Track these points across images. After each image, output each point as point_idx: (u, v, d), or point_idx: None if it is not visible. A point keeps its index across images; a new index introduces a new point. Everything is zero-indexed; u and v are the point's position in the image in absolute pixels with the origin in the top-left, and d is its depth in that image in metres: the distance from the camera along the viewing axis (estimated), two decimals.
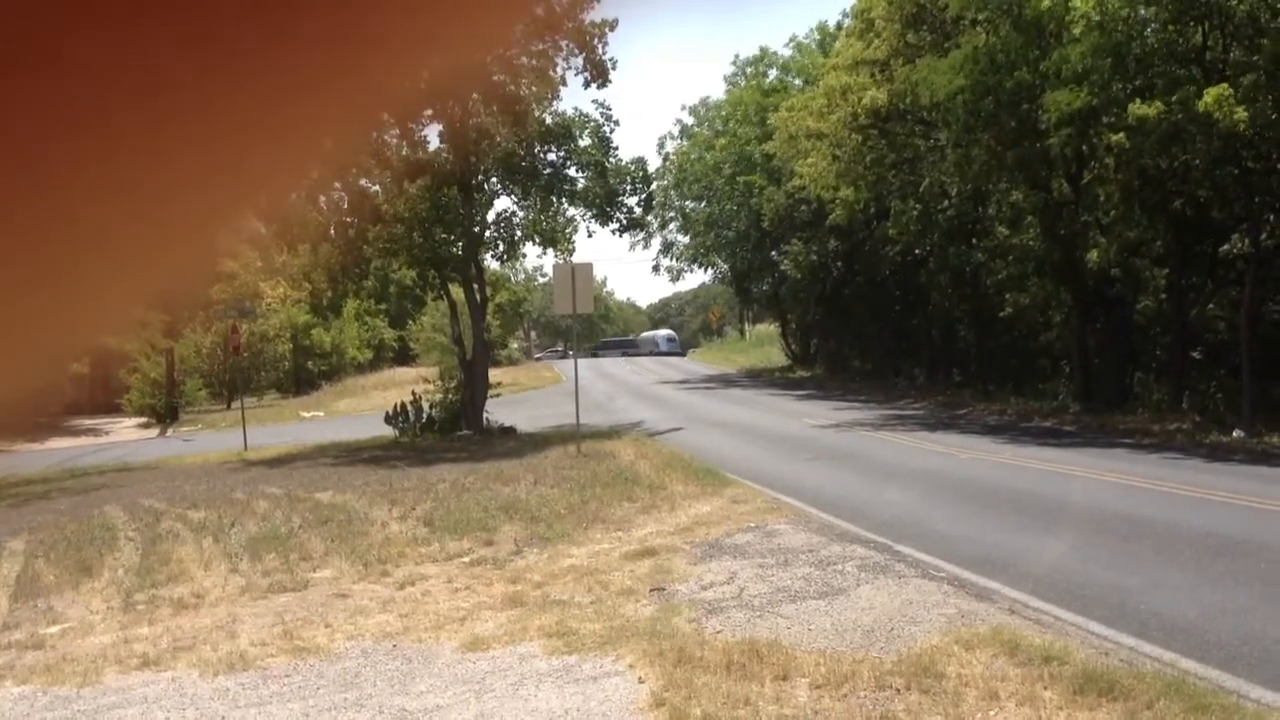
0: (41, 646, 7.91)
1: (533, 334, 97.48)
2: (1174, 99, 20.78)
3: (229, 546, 11.48)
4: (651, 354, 77.14)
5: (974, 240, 35.64)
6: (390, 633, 7.81)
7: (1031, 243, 30.91)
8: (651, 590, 8.66)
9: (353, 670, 6.93)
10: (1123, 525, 11.35)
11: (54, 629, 8.45)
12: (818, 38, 49.55)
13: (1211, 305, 27.98)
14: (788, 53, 53.40)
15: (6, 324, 0.63)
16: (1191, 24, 22.12)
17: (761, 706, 5.81)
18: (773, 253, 51.68)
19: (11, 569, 11.10)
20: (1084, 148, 25.73)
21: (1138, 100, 21.55)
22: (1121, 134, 22.76)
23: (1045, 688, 5.89)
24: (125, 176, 0.59)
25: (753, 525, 11.46)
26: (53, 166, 0.56)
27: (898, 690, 5.97)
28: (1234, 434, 20.30)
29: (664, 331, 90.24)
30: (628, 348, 79.67)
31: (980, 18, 25.46)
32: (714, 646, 6.86)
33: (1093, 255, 26.83)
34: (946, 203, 34.09)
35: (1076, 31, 21.56)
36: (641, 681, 6.34)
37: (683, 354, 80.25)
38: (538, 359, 77.70)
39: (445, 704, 6.19)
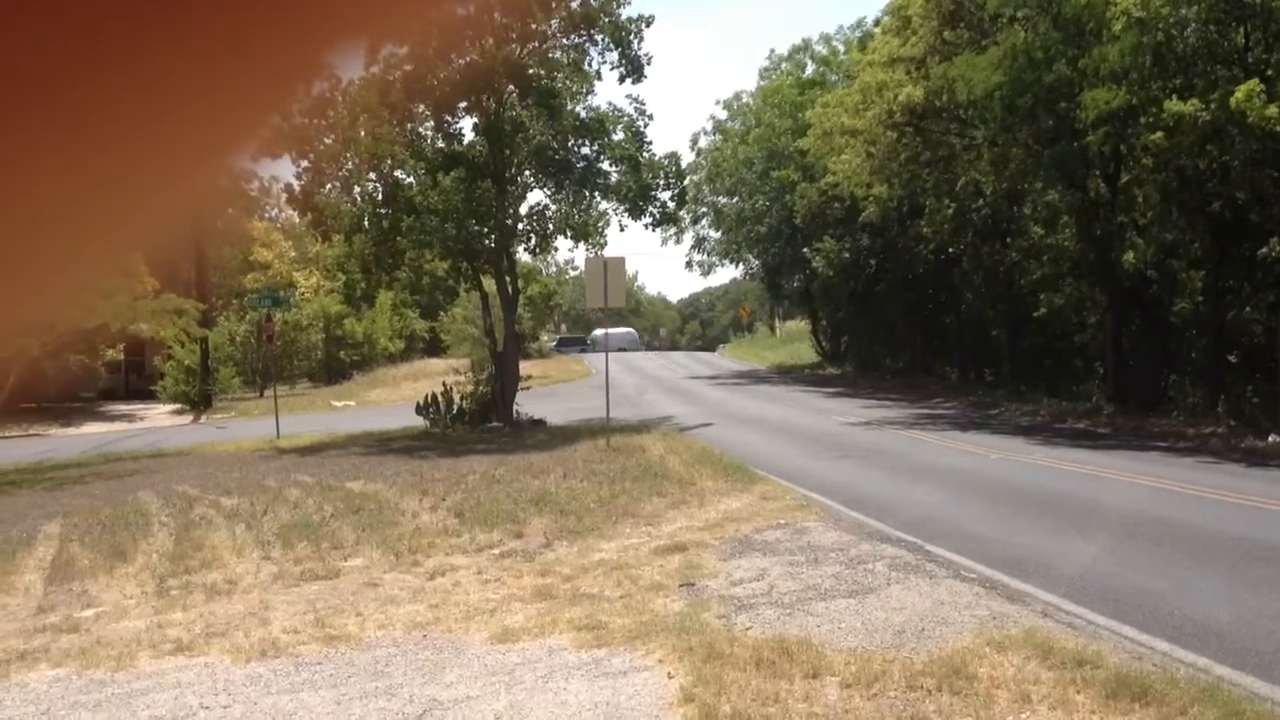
0: (76, 630, 7.99)
1: (563, 327, 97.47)
2: (1212, 97, 20.62)
3: (261, 534, 11.55)
4: (621, 350, 76.84)
5: (1008, 240, 35.48)
6: (420, 623, 7.84)
7: (1067, 243, 30.75)
8: (681, 585, 8.66)
9: (383, 659, 6.97)
10: (1156, 529, 11.27)
11: (88, 613, 8.52)
12: (858, 34, 49.29)
13: (1248, 308, 27.74)
14: (823, 49, 53.31)
15: None
16: (1233, 24, 21.91)
17: (791, 704, 5.80)
18: (804, 249, 51.52)
19: (47, 552, 11.21)
20: (1121, 147, 25.54)
21: (1174, 98, 21.38)
22: (1160, 133, 22.57)
23: (1078, 691, 5.86)
24: (103, 134, 0.59)
25: (782, 522, 11.44)
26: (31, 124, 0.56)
27: (929, 691, 5.95)
28: (1269, 439, 20.10)
29: (628, 330, 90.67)
30: (585, 345, 79.12)
31: (1019, 15, 25.30)
32: (743, 643, 6.85)
33: (1129, 256, 26.63)
34: (981, 201, 33.93)
35: (1117, 29, 21.39)
36: (671, 677, 6.34)
37: (641, 349, 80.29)
38: (563, 351, 77.51)
39: (475, 695, 6.21)
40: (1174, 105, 21.11)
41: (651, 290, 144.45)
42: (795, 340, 66.86)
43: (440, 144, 26.24)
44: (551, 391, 37.71)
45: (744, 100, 56.71)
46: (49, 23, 0.55)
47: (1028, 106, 24.80)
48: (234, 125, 0.65)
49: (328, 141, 25.27)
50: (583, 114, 26.58)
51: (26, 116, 0.57)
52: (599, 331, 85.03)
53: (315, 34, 0.62)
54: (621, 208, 27.21)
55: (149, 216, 0.67)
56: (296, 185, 25.65)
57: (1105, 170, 27.08)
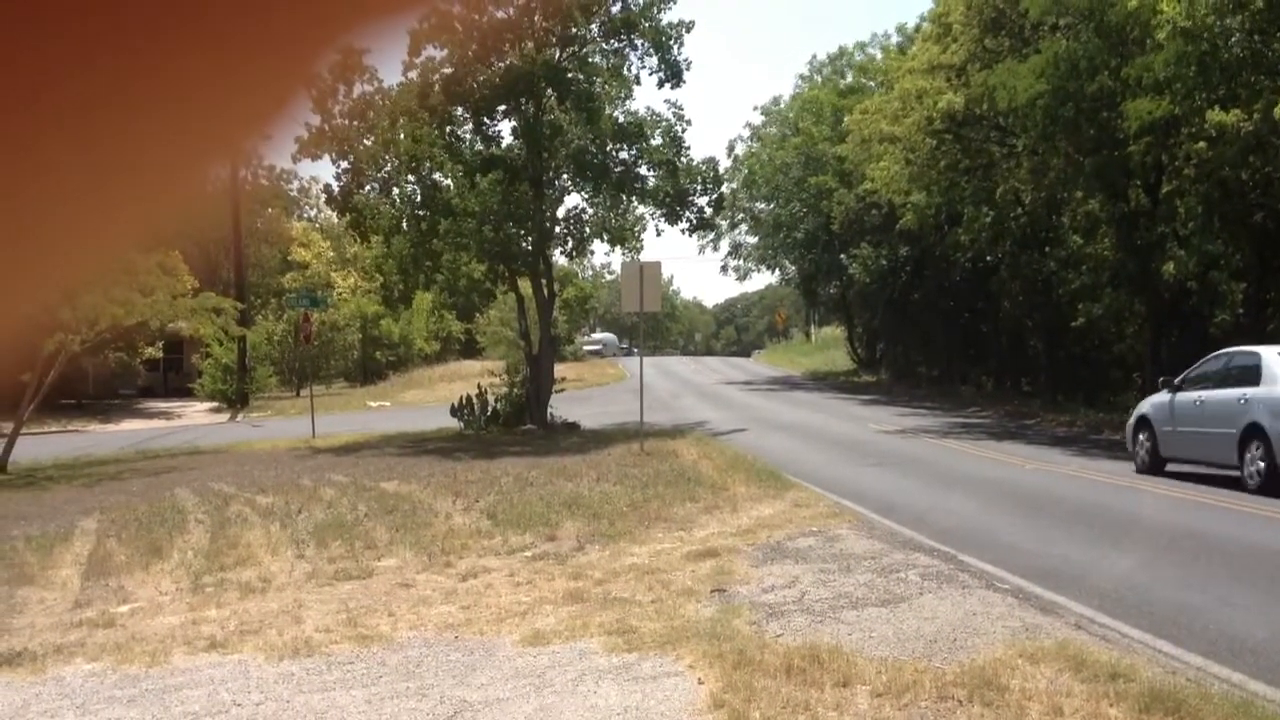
0: (112, 625, 8.05)
1: (597, 329, 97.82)
2: (1255, 107, 20.42)
3: (296, 533, 11.62)
4: (616, 356, 77.44)
5: (1047, 249, 35.24)
6: (452, 624, 7.86)
7: (1106, 253, 30.52)
8: (712, 591, 8.64)
9: (415, 660, 6.99)
10: (1193, 543, 11.17)
11: (124, 608, 8.60)
12: (896, 41, 49.17)
13: None
14: (867, 54, 53.16)
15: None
16: (1277, 34, 21.68)
17: (821, 713, 5.78)
18: (841, 256, 51.44)
19: (84, 548, 11.31)
20: (1163, 157, 25.31)
21: (1216, 108, 21.18)
22: (1202, 144, 22.36)
23: (1111, 705, 5.80)
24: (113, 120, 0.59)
25: (815, 529, 11.40)
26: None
27: (960, 702, 5.92)
28: None
29: (610, 335, 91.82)
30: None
31: (1061, 23, 25.12)
32: (774, 650, 6.83)
33: (1169, 267, 26.38)
34: (1020, 210, 33.73)
35: (1161, 37, 21.20)
36: (701, 682, 6.33)
37: (620, 354, 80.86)
38: (606, 354, 77.71)
39: (505, 697, 6.22)
40: (1216, 115, 20.92)
41: (687, 295, 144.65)
42: (830, 347, 66.79)
43: (479, 147, 26.36)
44: (586, 395, 37.77)
45: (781, 106, 56.66)
46: (71, 20, 0.55)
47: (1069, 116, 24.62)
48: (256, 115, 0.65)
49: (367, 143, 25.45)
50: (621, 118, 26.63)
51: (56, 104, 0.57)
52: (597, 335, 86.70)
53: (339, 21, 0.63)
54: (659, 212, 27.27)
55: (174, 206, 0.67)
56: (336, 186, 25.89)
57: (1146, 180, 26.85)
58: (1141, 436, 17.67)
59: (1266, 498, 13.87)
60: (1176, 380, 17.23)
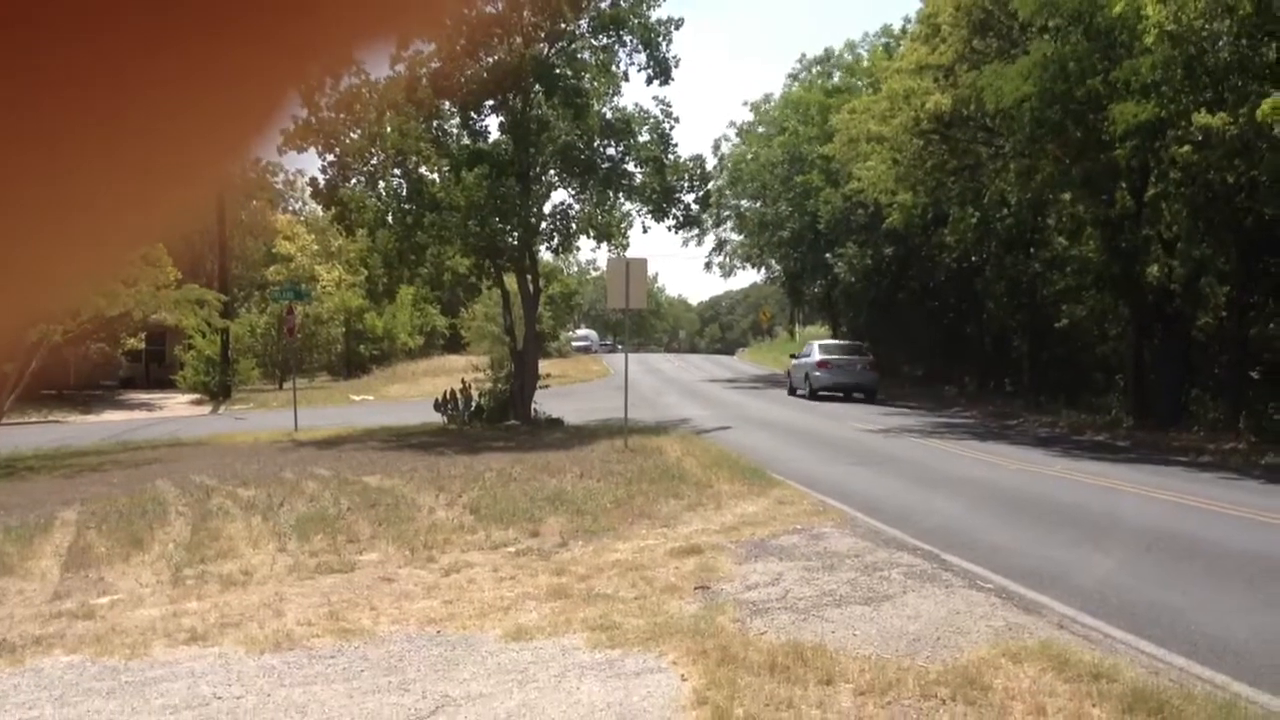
0: (91, 617, 8.00)
1: (582, 326, 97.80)
2: (1241, 111, 20.46)
3: (278, 525, 11.58)
4: (598, 352, 77.87)
5: (1032, 250, 35.33)
6: (434, 618, 7.83)
7: (1091, 255, 30.60)
8: (696, 588, 8.63)
9: (397, 654, 6.96)
10: (1175, 544, 11.19)
11: (104, 600, 8.54)
12: (883, 41, 49.21)
13: (1272, 324, 27.55)
14: (856, 54, 53.15)
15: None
16: (1264, 39, 21.72)
17: (805, 710, 5.77)
18: (826, 255, 51.45)
19: (64, 539, 11.25)
20: (1149, 160, 25.37)
21: (1203, 111, 21.22)
22: (1188, 147, 22.40)
23: (1094, 705, 5.81)
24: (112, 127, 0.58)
25: (799, 527, 11.41)
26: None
27: (943, 700, 5.92)
28: None
29: (590, 331, 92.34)
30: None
31: (1050, 25, 25.13)
32: (758, 647, 6.83)
33: (1153, 270, 26.46)
34: (1005, 211, 33.82)
35: (1148, 41, 21.23)
36: (684, 679, 6.31)
37: (599, 350, 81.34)
38: (593, 350, 77.68)
39: (488, 692, 6.20)
40: (1202, 118, 20.96)
41: (672, 292, 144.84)
42: None
43: (465, 141, 26.29)
44: (570, 391, 37.75)
45: (768, 105, 56.66)
46: (72, 13, 0.54)
47: (1057, 118, 24.64)
48: (254, 117, 0.64)
49: (354, 136, 25.36)
50: (609, 114, 26.60)
51: (48, 105, 0.56)
52: (580, 332, 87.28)
53: (339, 26, 0.61)
54: (645, 209, 27.24)
55: (167, 207, 0.66)
56: (322, 179, 25.80)
57: (1132, 183, 26.91)
58: (790, 379, 38.96)
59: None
60: (797, 354, 39.64)
